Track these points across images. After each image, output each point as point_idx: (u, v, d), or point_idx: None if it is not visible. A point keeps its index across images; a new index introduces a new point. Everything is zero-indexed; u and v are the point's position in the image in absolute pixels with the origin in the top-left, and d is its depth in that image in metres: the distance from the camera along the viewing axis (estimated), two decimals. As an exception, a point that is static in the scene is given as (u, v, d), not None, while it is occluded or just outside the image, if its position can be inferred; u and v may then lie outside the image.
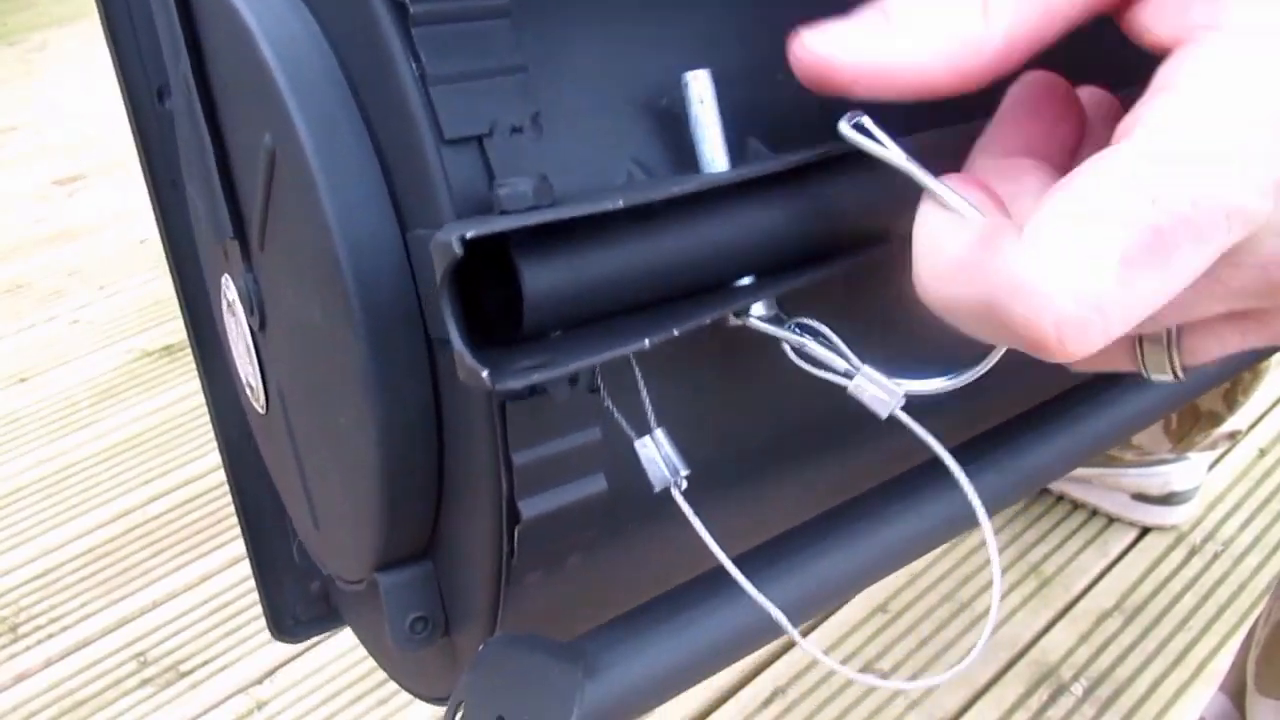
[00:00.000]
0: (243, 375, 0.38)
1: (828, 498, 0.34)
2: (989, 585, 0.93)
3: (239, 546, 1.01)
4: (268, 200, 0.30)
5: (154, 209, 0.41)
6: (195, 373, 0.45)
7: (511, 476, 0.25)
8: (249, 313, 0.35)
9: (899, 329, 0.27)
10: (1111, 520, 0.98)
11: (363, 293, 0.26)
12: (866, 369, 0.25)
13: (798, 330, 0.26)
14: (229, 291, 0.36)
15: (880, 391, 0.24)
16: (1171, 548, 0.96)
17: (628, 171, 0.27)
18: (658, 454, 0.25)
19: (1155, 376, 0.26)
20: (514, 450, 0.25)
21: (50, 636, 0.95)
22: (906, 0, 0.22)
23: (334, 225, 0.26)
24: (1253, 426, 1.08)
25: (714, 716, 0.84)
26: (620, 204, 0.22)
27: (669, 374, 0.27)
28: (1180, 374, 0.25)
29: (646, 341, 0.23)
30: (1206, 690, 0.84)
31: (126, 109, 0.40)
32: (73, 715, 0.88)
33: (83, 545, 1.04)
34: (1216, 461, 1.04)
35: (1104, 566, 0.95)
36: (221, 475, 1.14)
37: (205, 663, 0.92)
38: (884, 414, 0.24)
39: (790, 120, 0.28)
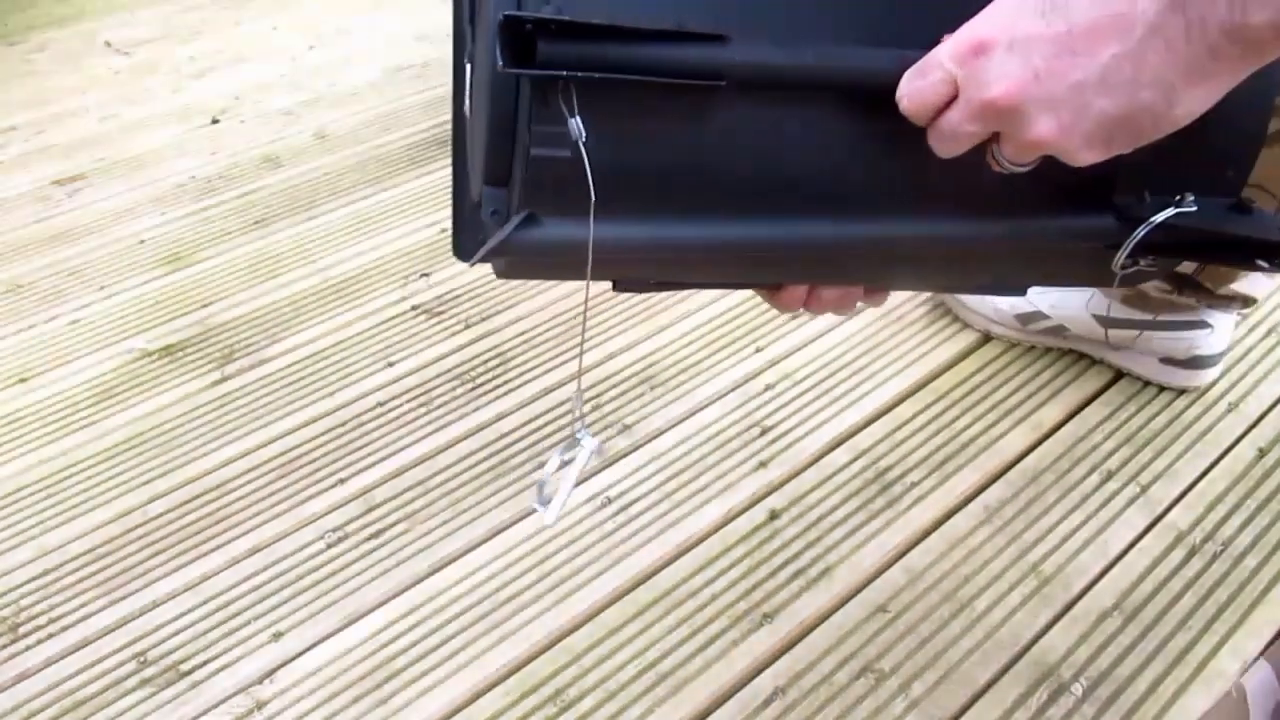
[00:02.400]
0: (467, 78, 0.61)
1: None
2: (989, 585, 0.94)
3: (239, 546, 1.02)
4: None
5: None
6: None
7: (531, 128, 0.47)
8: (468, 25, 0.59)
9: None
10: (1111, 520, 0.98)
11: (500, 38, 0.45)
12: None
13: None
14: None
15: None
16: (1171, 548, 0.96)
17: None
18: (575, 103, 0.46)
19: (1000, 160, 0.48)
20: (535, 123, 0.46)
21: (50, 636, 0.95)
22: None
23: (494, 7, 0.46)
24: (1259, 421, 1.08)
25: (714, 716, 0.84)
26: (601, 21, 0.44)
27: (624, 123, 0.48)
28: (1002, 160, 0.47)
29: (564, 72, 0.44)
30: (1207, 690, 0.84)
31: None
32: (73, 715, 0.88)
33: (83, 545, 1.04)
34: (1216, 462, 1.04)
35: (1104, 566, 0.95)
36: (222, 475, 1.14)
37: (205, 663, 0.92)
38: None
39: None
